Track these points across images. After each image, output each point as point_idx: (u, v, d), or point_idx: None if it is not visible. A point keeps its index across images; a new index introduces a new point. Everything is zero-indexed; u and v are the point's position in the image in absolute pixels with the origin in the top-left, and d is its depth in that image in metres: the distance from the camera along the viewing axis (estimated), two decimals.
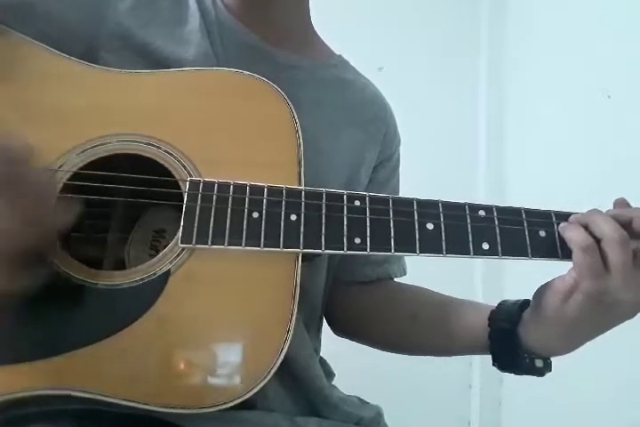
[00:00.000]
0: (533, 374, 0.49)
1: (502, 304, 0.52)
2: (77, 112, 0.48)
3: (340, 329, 0.65)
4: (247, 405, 0.43)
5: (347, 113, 0.60)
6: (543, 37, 1.43)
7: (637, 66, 1.11)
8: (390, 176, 0.66)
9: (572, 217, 0.45)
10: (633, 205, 0.47)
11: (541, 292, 0.47)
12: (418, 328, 0.57)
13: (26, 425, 0.41)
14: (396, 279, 0.65)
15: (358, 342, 0.64)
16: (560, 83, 1.33)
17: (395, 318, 0.59)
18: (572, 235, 0.43)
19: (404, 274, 0.65)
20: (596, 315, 0.44)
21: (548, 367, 0.48)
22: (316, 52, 0.63)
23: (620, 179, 1.08)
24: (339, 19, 1.30)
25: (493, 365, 0.51)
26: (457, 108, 1.57)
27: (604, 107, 1.17)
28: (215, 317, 0.42)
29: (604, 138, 1.16)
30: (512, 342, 0.48)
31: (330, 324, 0.64)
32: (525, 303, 0.50)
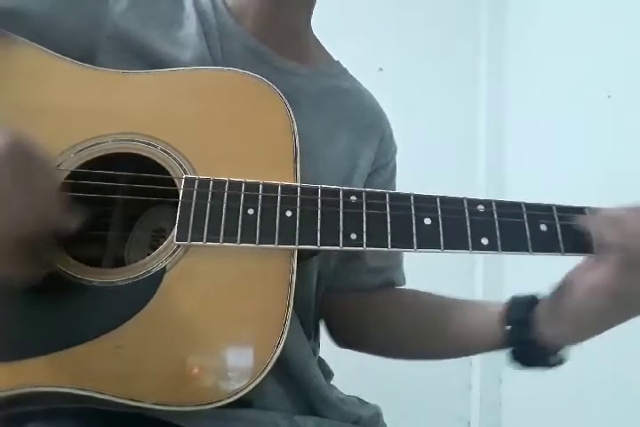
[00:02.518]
0: (545, 366, 0.49)
1: (514, 301, 0.51)
2: (74, 112, 0.48)
3: (342, 340, 0.63)
4: (243, 403, 0.42)
5: (342, 119, 0.60)
6: (543, 37, 1.43)
7: (638, 65, 1.10)
8: (386, 184, 0.65)
9: (602, 213, 0.44)
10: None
11: (567, 283, 0.46)
12: (420, 334, 0.57)
13: (25, 423, 0.41)
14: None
15: (361, 351, 0.63)
16: (560, 83, 1.33)
17: (395, 325, 0.58)
18: (605, 231, 0.42)
19: (405, 283, 0.64)
20: (620, 310, 0.44)
21: (561, 359, 0.48)
22: (316, 59, 0.63)
23: (620, 178, 1.07)
24: (339, 19, 1.31)
25: (511, 361, 0.50)
26: (457, 108, 1.56)
27: (603, 107, 1.17)
28: (210, 314, 0.41)
29: (604, 138, 1.16)
30: (527, 338, 0.48)
31: (331, 335, 0.63)
32: (535, 298, 0.49)
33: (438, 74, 1.55)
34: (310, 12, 0.61)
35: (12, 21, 0.49)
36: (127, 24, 0.52)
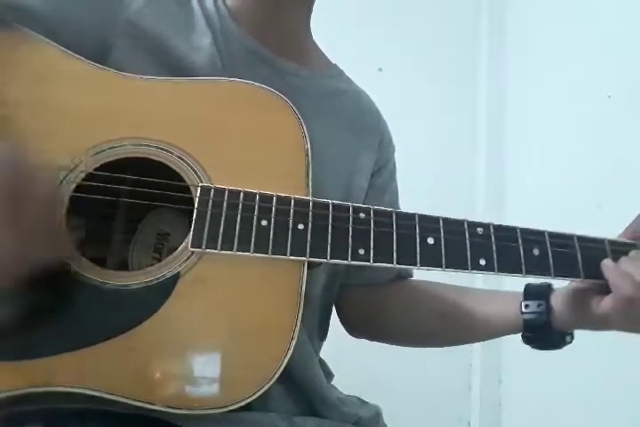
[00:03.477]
0: (557, 348, 0.54)
1: (530, 290, 0.55)
2: (93, 114, 0.48)
3: (358, 330, 0.66)
4: (244, 406, 0.43)
5: (342, 121, 0.62)
6: (543, 38, 1.43)
7: (638, 66, 1.11)
8: (388, 181, 0.68)
9: (621, 267, 0.47)
10: (631, 205, 0.50)
11: (582, 302, 0.50)
12: (448, 326, 0.60)
13: (26, 424, 0.41)
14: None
15: (379, 341, 0.66)
16: (560, 82, 1.33)
17: (421, 318, 0.62)
18: (620, 284, 0.46)
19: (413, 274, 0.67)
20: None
21: (572, 340, 0.54)
22: (314, 62, 0.65)
23: (620, 178, 1.09)
24: (339, 20, 1.27)
25: (525, 343, 0.55)
26: (457, 108, 1.55)
27: (603, 107, 1.18)
28: (222, 320, 0.43)
29: (604, 138, 1.17)
30: (544, 324, 0.53)
31: (346, 325, 0.66)
32: (549, 288, 0.54)
33: (438, 74, 1.53)
34: (308, 14, 0.63)
35: (27, 19, 0.49)
36: (143, 21, 0.53)
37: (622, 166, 1.10)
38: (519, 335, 0.56)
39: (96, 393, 0.39)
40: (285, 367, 0.48)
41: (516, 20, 1.57)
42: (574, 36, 1.31)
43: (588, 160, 1.20)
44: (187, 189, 0.47)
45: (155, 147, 0.48)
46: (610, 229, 0.51)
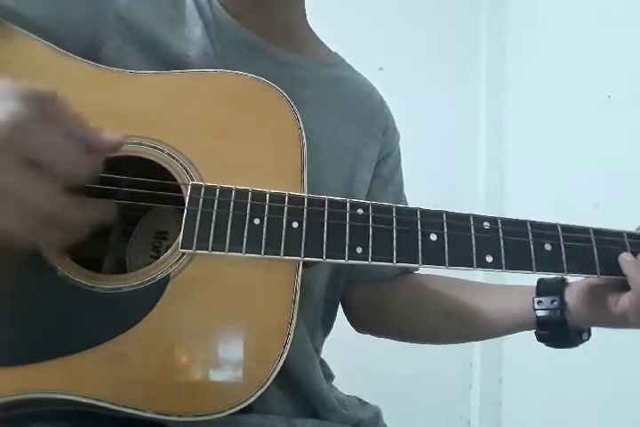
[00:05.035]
0: (572, 346, 0.52)
1: (543, 286, 0.52)
2: (80, 112, 0.47)
3: (364, 326, 0.65)
4: (244, 409, 0.43)
5: (345, 110, 0.61)
6: (543, 37, 1.43)
7: (638, 66, 1.10)
8: (394, 170, 0.66)
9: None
10: (631, 206, 0.47)
11: (599, 299, 0.48)
12: (453, 324, 0.58)
13: (25, 425, 0.41)
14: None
15: (384, 337, 0.65)
16: (560, 82, 1.33)
17: (427, 314, 0.60)
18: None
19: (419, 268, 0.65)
20: None
21: (589, 337, 0.52)
22: (314, 51, 0.63)
23: (620, 178, 1.08)
24: (339, 19, 1.30)
25: (539, 341, 0.53)
26: (457, 107, 1.57)
27: (603, 107, 1.18)
28: (214, 323, 0.41)
29: (604, 138, 1.16)
30: (558, 320, 0.50)
31: (352, 321, 0.65)
32: (563, 282, 0.51)
33: (438, 73, 1.55)
34: (302, 5, 0.61)
35: (13, 17, 0.48)
36: (132, 16, 0.52)
37: (621, 166, 1.09)
38: (520, 334, 0.53)
39: (84, 400, 0.38)
40: (286, 369, 0.47)
41: (516, 19, 1.56)
42: (574, 35, 1.30)
43: (587, 160, 1.19)
44: (179, 188, 0.46)
45: (146, 145, 0.47)
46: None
